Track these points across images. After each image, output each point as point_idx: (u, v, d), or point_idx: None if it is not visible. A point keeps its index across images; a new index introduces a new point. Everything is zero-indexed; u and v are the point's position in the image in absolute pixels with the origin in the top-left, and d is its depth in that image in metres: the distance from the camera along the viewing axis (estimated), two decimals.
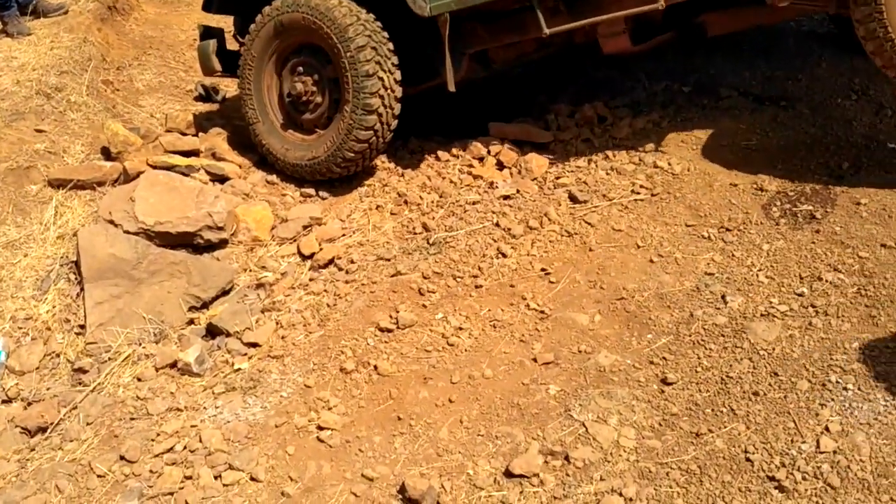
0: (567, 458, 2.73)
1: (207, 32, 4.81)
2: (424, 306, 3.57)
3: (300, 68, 4.42)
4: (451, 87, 4.22)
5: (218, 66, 4.69)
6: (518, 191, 4.20)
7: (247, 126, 4.64)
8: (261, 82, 4.52)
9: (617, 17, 3.96)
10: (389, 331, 3.46)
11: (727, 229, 3.66)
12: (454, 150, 4.62)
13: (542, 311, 3.44)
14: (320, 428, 3.03)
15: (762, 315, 3.15)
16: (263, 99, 4.54)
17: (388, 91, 4.18)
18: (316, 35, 4.21)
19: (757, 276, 3.36)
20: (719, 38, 4.77)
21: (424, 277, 3.72)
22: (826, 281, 3.24)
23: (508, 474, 2.72)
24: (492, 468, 2.77)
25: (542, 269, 3.66)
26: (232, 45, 4.93)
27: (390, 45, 4.21)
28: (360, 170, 4.47)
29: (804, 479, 2.48)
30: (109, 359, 3.57)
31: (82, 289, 3.80)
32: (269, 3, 4.36)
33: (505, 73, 5.33)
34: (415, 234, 4.08)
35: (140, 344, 3.61)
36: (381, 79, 4.13)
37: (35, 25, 5.93)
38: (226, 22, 5.25)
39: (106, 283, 3.74)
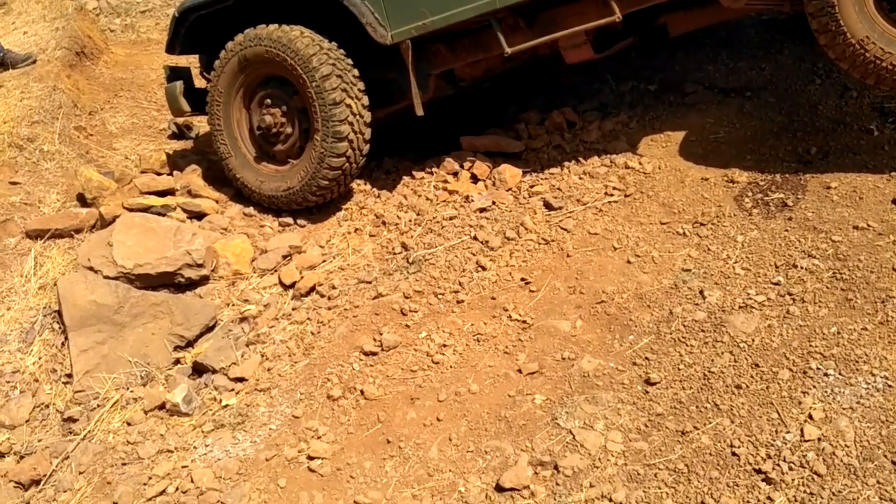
0: (556, 467, 2.74)
1: (174, 73, 4.82)
2: (408, 326, 3.58)
3: (268, 100, 4.44)
4: (419, 111, 4.25)
5: (187, 107, 4.70)
6: (493, 202, 4.22)
7: (220, 161, 4.66)
8: (230, 117, 4.53)
9: (577, 31, 4.00)
10: (374, 354, 3.47)
11: (701, 224, 3.68)
12: (428, 167, 4.64)
13: (525, 321, 3.46)
14: (310, 458, 3.03)
15: (740, 307, 3.17)
16: (234, 133, 4.55)
17: (357, 117, 4.21)
18: (280, 67, 4.23)
19: (733, 268, 3.39)
20: (681, 36, 4.82)
21: (406, 297, 3.73)
22: (801, 268, 3.27)
23: (499, 489, 2.72)
24: (483, 484, 2.77)
25: (522, 279, 3.68)
26: (200, 82, 4.95)
27: (355, 72, 4.24)
28: (336, 196, 4.48)
29: (790, 469, 2.49)
30: (98, 405, 3.57)
31: (66, 338, 3.80)
32: (232, 38, 4.38)
33: (473, 86, 5.35)
34: (394, 254, 4.10)
35: (127, 388, 3.62)
36: (348, 106, 4.15)
37: (4, 77, 5.95)
38: (192, 60, 5.28)
39: (89, 330, 3.74)
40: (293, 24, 4.25)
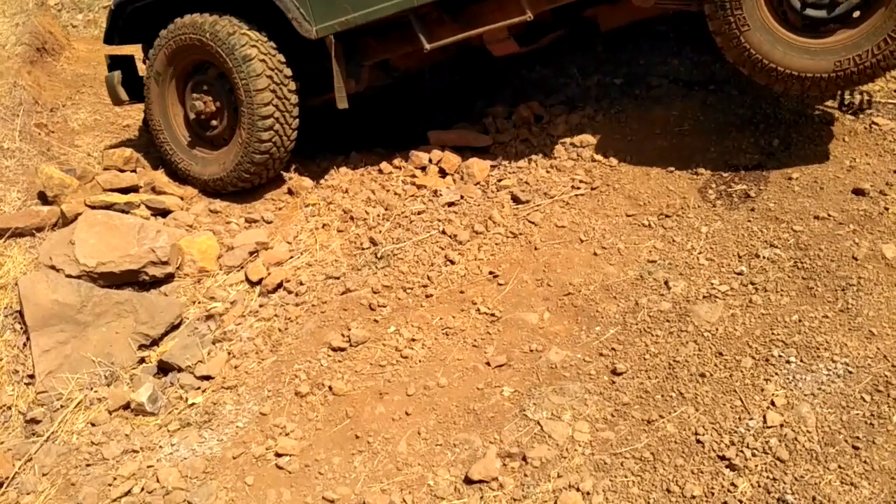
0: (524, 458, 2.75)
1: (115, 62, 4.87)
2: (376, 321, 3.57)
3: (201, 87, 4.53)
4: (341, 104, 4.31)
5: (125, 96, 4.81)
6: (462, 197, 4.22)
7: (157, 148, 4.69)
8: (165, 104, 4.62)
9: (497, 28, 4.04)
10: (342, 349, 3.45)
11: (666, 216, 3.72)
12: (396, 162, 4.63)
13: (493, 314, 3.46)
14: (278, 455, 3.01)
15: (704, 297, 3.21)
16: (170, 120, 4.65)
17: (282, 100, 4.30)
18: (207, 54, 4.32)
19: (697, 259, 3.42)
20: (647, 29, 4.86)
21: (374, 292, 3.72)
22: (763, 257, 3.31)
23: (468, 481, 2.73)
24: (451, 477, 2.78)
25: (490, 273, 3.69)
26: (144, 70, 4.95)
27: (280, 57, 4.32)
28: (265, 181, 4.59)
29: (754, 455, 2.53)
30: (61, 406, 3.52)
31: (28, 338, 3.73)
32: (165, 27, 4.42)
33: (441, 80, 5.36)
34: (362, 249, 4.08)
35: (91, 388, 3.56)
36: (272, 91, 4.26)
37: None
38: (137, 49, 5.23)
39: (51, 329, 3.68)
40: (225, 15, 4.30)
